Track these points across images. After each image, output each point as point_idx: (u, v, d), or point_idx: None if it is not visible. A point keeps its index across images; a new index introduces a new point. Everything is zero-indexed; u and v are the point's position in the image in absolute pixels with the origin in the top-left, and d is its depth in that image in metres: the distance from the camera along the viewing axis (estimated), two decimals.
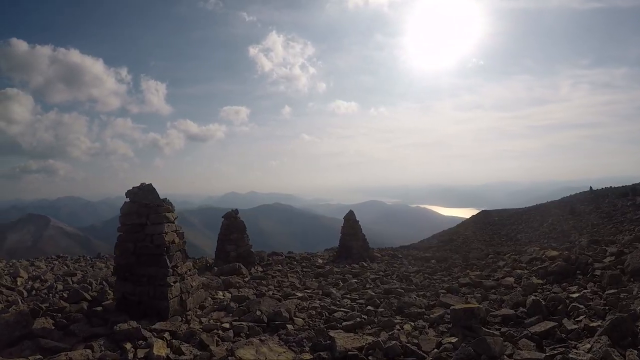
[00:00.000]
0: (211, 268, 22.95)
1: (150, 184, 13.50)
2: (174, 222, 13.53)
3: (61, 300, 13.58)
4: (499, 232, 43.17)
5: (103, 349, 9.57)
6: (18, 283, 17.43)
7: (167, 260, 12.50)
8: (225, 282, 17.49)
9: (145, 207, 13.06)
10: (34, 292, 16.15)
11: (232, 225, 25.50)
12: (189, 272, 13.67)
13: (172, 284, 12.44)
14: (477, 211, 66.68)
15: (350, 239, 29.62)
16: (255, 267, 24.22)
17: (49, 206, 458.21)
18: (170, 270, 12.52)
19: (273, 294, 15.84)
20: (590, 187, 53.55)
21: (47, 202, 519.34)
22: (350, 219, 30.50)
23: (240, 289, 16.63)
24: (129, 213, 13.22)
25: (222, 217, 26.27)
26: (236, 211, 26.32)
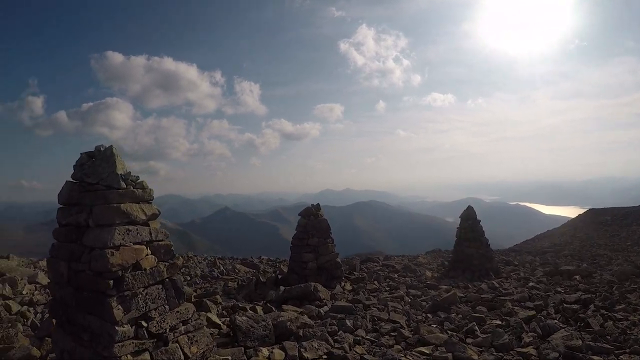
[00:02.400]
0: (277, 286, 16.80)
1: (111, 146, 7.16)
2: (146, 225, 7.37)
3: None
4: (617, 234, 35.96)
5: None
6: None
7: (116, 307, 6.45)
8: (280, 326, 9.87)
9: (86, 191, 6.94)
10: None
11: (311, 226, 18.88)
12: (184, 326, 7.45)
13: (127, 355, 6.35)
14: (581, 210, 60.62)
15: (470, 244, 22.41)
16: (342, 285, 17.64)
17: None
18: (126, 326, 6.43)
19: (363, 356, 8.80)
20: None
21: None
22: (469, 217, 23.07)
23: (304, 343, 9.08)
24: (67, 204, 7.14)
25: (299, 214, 19.71)
26: (318, 206, 19.67)
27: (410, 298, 15.53)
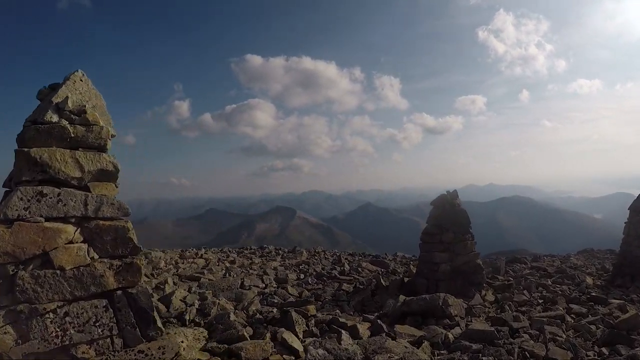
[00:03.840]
0: (401, 291, 14.13)
1: (76, 71, 4.36)
2: (82, 189, 4.78)
3: None
4: None
5: None
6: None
7: None
8: None
9: None
10: None
11: (445, 218, 15.47)
12: None
13: None
14: None
15: None
16: (483, 294, 14.23)
17: (295, 199, 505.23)
18: None
19: None
20: None
21: (293, 195, 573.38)
22: None
23: None
24: None
25: (431, 203, 16.38)
26: (455, 193, 16.27)
27: (572, 318, 11.69)
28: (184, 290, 13.43)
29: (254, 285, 15.45)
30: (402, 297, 11.85)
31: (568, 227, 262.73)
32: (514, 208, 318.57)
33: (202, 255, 22.62)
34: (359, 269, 19.69)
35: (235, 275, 16.94)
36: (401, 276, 17.28)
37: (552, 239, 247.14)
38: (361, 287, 15.70)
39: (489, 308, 13.01)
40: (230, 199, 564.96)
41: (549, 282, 16.83)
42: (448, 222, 15.34)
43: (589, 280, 17.44)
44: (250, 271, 18.30)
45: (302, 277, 17.71)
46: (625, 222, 18.72)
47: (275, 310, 12.03)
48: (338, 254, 25.27)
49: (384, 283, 15.54)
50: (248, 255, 23.79)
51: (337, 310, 12.50)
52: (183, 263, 19.66)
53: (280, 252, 25.84)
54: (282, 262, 21.35)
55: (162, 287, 13.69)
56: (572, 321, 11.25)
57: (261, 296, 14.13)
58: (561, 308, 12.50)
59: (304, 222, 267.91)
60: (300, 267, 20.29)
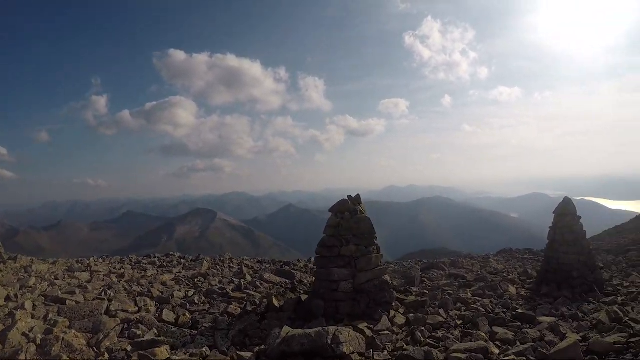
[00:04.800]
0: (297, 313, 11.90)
1: None
2: None
3: None
4: None
5: None
6: None
7: None
8: None
9: None
10: None
11: (345, 228, 12.77)
12: None
13: None
14: None
15: (568, 250, 15.93)
16: (392, 315, 11.81)
17: (216, 201, 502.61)
18: None
19: None
20: None
21: (214, 197, 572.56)
22: (566, 213, 16.41)
23: None
24: None
25: (330, 210, 13.49)
26: (357, 199, 13.63)
27: (498, 346, 9.48)
28: (39, 319, 11.02)
29: (122, 310, 12.42)
30: (284, 330, 9.07)
31: (486, 225, 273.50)
32: (435, 208, 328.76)
33: (91, 267, 19.50)
34: (258, 282, 16.90)
35: (112, 295, 13.86)
36: (302, 291, 14.70)
37: (471, 237, 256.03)
38: (250, 308, 12.95)
39: (398, 334, 10.57)
40: (149, 201, 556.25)
41: (469, 294, 14.82)
42: (349, 232, 12.67)
43: (512, 289, 15.66)
44: (134, 287, 15.24)
45: (190, 295, 14.73)
46: (550, 227, 17.03)
47: (129, 347, 9.62)
48: (249, 263, 23.13)
49: (276, 304, 12.80)
50: (144, 265, 20.69)
51: (206, 348, 9.68)
52: (65, 278, 16.54)
53: (182, 261, 23.12)
54: (177, 275, 18.41)
55: (16, 312, 11.01)
56: (498, 352, 9.04)
57: (125, 324, 11.31)
58: (483, 333, 10.22)
59: (225, 224, 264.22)
60: (196, 280, 17.60)
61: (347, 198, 13.44)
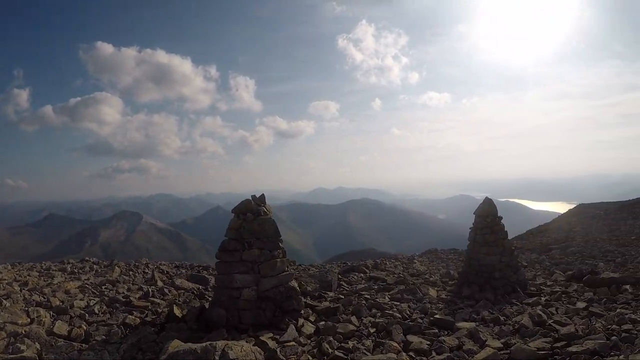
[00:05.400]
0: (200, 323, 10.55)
1: None
2: None
3: None
4: (617, 227, 32.74)
5: None
6: None
7: None
8: None
9: None
10: None
11: (248, 230, 11.44)
12: None
13: None
14: (569, 205, 64.12)
15: (489, 251, 15.36)
16: (300, 323, 10.68)
17: (142, 203, 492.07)
18: None
19: None
20: None
21: (140, 199, 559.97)
22: (487, 214, 15.81)
23: None
24: None
25: (232, 210, 12.04)
26: (261, 199, 12.28)
27: (412, 357, 8.59)
28: None
29: (11, 322, 10.77)
30: (173, 344, 7.82)
31: (414, 226, 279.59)
32: (363, 209, 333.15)
33: None
34: (167, 289, 15.34)
35: (8, 305, 12.05)
36: (204, 302, 13.43)
37: (399, 237, 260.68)
38: (150, 319, 11.54)
39: (305, 345, 9.45)
40: (72, 203, 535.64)
41: (387, 298, 13.94)
42: (252, 235, 11.32)
43: (432, 292, 14.91)
44: (34, 297, 13.48)
45: (92, 304, 13.00)
46: (470, 228, 16.45)
47: None
48: (164, 268, 21.31)
49: (178, 313, 11.45)
50: (52, 272, 18.75)
51: None
52: None
53: (95, 266, 20.96)
54: (85, 282, 16.41)
55: None
56: None
57: (12, 338, 9.78)
58: (396, 343, 9.28)
59: (151, 227, 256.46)
60: (103, 287, 15.79)
61: (250, 198, 12.26)
